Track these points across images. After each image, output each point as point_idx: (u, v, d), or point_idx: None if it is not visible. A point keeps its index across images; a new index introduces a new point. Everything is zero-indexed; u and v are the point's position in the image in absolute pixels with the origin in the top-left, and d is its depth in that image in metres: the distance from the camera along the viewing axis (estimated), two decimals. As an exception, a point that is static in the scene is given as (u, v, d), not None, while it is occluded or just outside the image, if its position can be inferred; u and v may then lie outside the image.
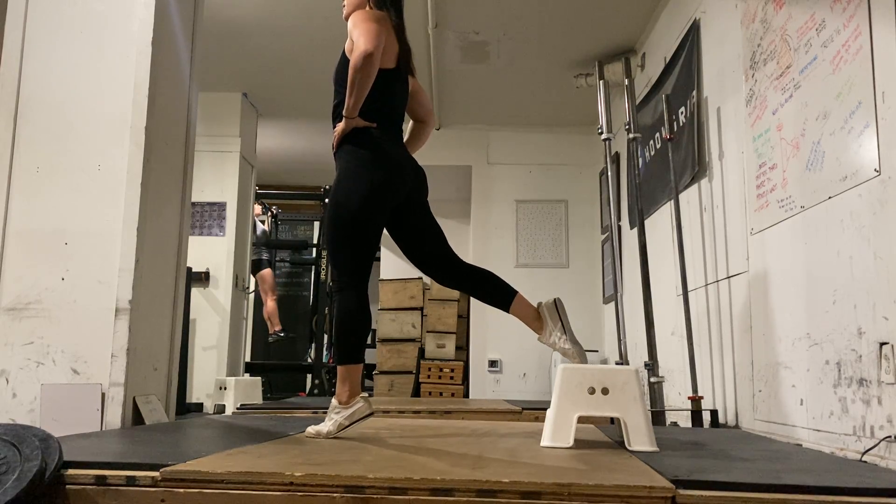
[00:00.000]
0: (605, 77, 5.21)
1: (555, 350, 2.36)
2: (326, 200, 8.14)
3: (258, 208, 7.87)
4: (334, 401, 2.36)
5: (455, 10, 4.87)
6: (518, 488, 1.44)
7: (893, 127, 2.18)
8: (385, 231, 2.50)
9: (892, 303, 2.16)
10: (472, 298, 6.83)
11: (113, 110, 3.07)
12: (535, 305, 2.44)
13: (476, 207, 6.96)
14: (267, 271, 7.66)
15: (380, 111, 2.42)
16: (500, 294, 2.44)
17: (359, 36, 2.27)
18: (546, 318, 2.38)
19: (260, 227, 7.75)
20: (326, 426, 2.33)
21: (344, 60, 2.46)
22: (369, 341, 8.50)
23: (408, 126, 2.70)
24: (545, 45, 5.39)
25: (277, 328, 7.62)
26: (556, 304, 2.40)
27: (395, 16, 2.50)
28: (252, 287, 7.14)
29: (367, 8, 2.48)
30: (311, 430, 2.36)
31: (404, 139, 2.60)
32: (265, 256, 7.73)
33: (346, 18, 2.51)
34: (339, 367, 2.34)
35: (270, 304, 7.63)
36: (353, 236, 2.34)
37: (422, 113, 2.65)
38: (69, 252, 2.98)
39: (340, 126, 2.37)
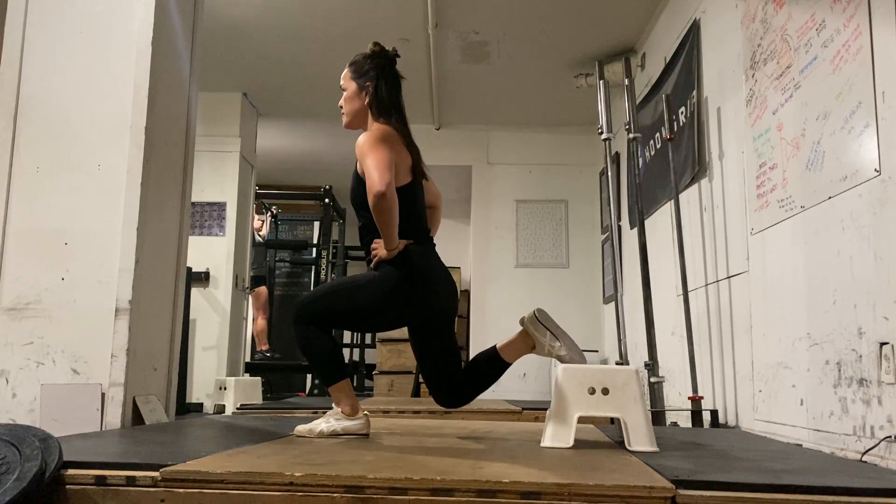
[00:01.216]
0: (605, 77, 5.21)
1: (553, 358, 2.34)
2: (326, 201, 8.16)
3: (258, 222, 7.87)
4: (336, 407, 2.35)
5: (455, 10, 4.87)
6: (518, 488, 1.44)
7: (893, 127, 2.18)
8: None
9: (892, 303, 2.16)
10: (471, 298, 6.83)
11: (113, 110, 3.06)
12: (519, 323, 2.40)
13: (476, 207, 6.96)
14: (262, 289, 7.62)
15: (411, 224, 2.35)
16: (490, 366, 2.41)
17: (371, 171, 2.17)
18: (533, 333, 2.34)
19: (258, 240, 7.74)
20: (320, 426, 2.32)
21: (357, 181, 2.36)
22: (369, 341, 8.52)
23: None
24: (545, 45, 5.39)
25: (264, 347, 7.62)
26: (537, 315, 2.34)
27: (398, 121, 2.40)
28: (251, 287, 7.13)
29: (370, 121, 2.40)
30: (301, 428, 2.34)
31: None
32: (264, 273, 7.72)
33: (346, 127, 2.45)
34: (330, 389, 2.33)
35: (260, 323, 7.61)
36: (349, 312, 2.32)
37: (431, 200, 2.58)
38: (69, 252, 2.98)
39: (383, 255, 2.30)
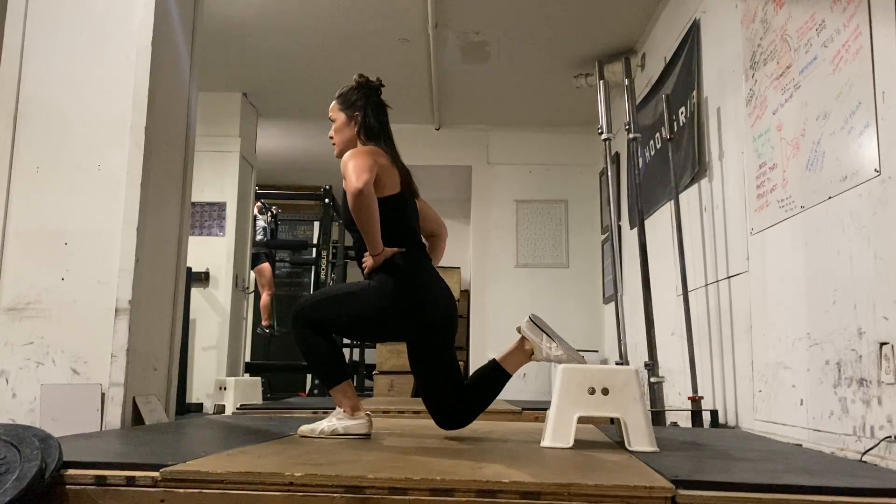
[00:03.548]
0: (605, 77, 5.22)
1: (550, 361, 2.35)
2: (326, 201, 8.16)
3: (258, 205, 7.90)
4: (339, 408, 2.36)
5: (455, 10, 4.87)
6: (518, 488, 1.44)
7: (893, 127, 2.18)
8: None
9: (892, 303, 2.16)
10: (471, 296, 6.84)
11: (113, 110, 3.06)
12: (517, 331, 2.42)
13: (476, 207, 6.96)
14: (265, 265, 7.71)
15: (402, 234, 2.38)
16: (491, 380, 2.41)
17: (349, 174, 2.23)
18: (531, 338, 2.36)
19: (260, 224, 7.77)
20: (322, 425, 2.33)
21: (347, 204, 2.38)
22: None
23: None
24: (545, 45, 5.39)
25: (265, 323, 7.69)
26: (533, 320, 2.38)
27: (386, 144, 2.46)
28: (251, 287, 7.15)
29: (358, 145, 2.45)
30: (304, 428, 2.36)
31: None
32: (263, 251, 7.76)
33: (339, 157, 2.47)
34: (331, 391, 2.34)
35: (265, 298, 7.71)
36: (346, 320, 2.33)
37: (433, 228, 2.62)
38: (69, 252, 2.98)
39: (370, 263, 2.33)
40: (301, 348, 2.34)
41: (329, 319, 2.33)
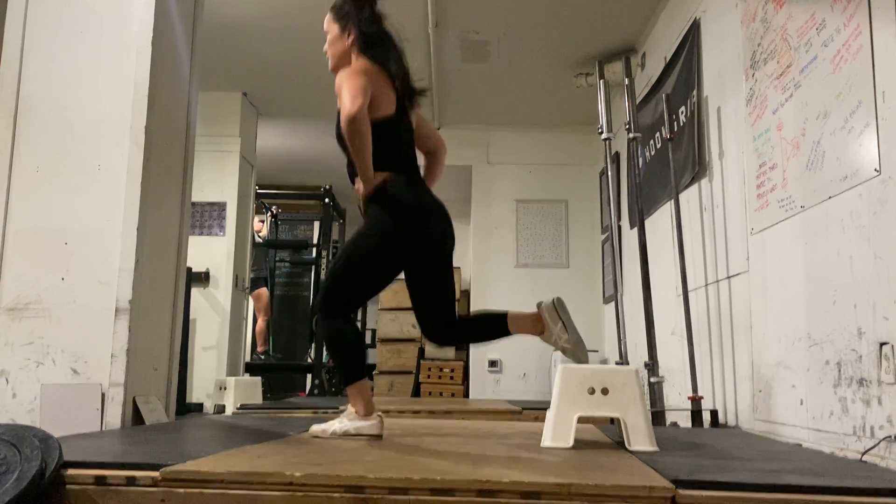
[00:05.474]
0: (605, 77, 5.22)
1: (556, 348, 2.35)
2: (326, 200, 8.15)
3: (258, 224, 7.88)
4: (351, 408, 2.35)
5: (455, 9, 4.87)
6: (518, 488, 1.44)
7: (894, 126, 2.18)
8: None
9: (892, 303, 2.16)
10: (471, 297, 6.83)
11: (113, 110, 3.06)
12: (536, 307, 2.42)
13: (476, 207, 6.96)
14: (262, 290, 7.64)
15: (391, 159, 2.34)
16: (493, 327, 2.42)
17: (343, 97, 2.19)
18: (546, 319, 2.35)
19: (258, 240, 7.76)
20: (334, 426, 2.32)
21: (339, 121, 2.37)
22: (369, 341, 8.52)
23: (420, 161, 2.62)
24: (545, 45, 5.39)
25: (260, 349, 7.66)
26: (556, 304, 2.36)
27: (382, 56, 2.39)
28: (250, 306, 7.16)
29: (353, 57, 2.39)
30: (315, 428, 2.35)
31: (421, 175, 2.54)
32: (262, 275, 7.73)
33: (333, 70, 2.44)
34: (348, 388, 2.31)
35: (260, 324, 7.66)
36: (362, 277, 2.31)
37: (430, 144, 2.56)
38: (69, 252, 2.98)
39: (362, 189, 2.31)
40: (328, 337, 2.32)
41: (351, 276, 2.29)
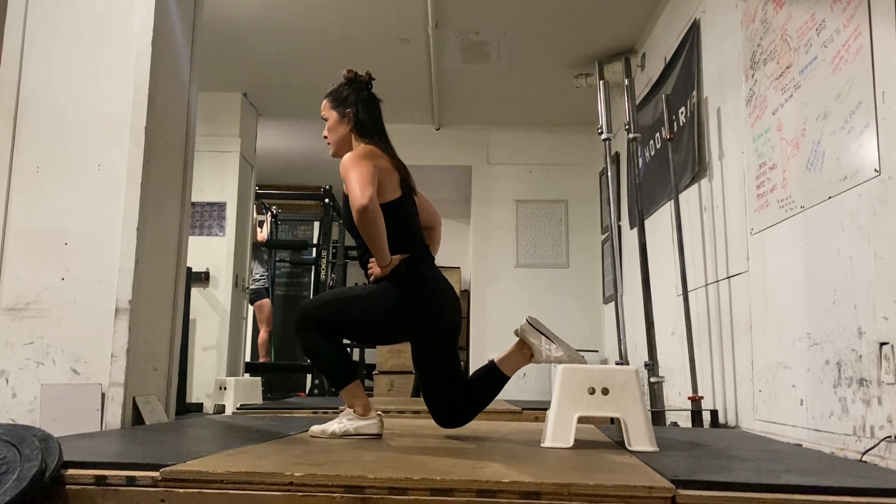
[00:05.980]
0: (605, 77, 5.22)
1: (551, 363, 2.35)
2: (326, 200, 8.16)
3: (261, 236, 7.87)
4: (349, 408, 2.35)
5: (455, 10, 4.87)
6: (518, 488, 1.44)
7: (893, 127, 2.18)
8: None
9: (892, 303, 2.16)
10: (471, 296, 6.84)
11: (113, 110, 3.06)
12: (515, 335, 2.41)
13: (476, 207, 6.96)
14: (265, 301, 7.63)
15: (406, 238, 2.36)
16: (489, 381, 2.42)
17: (352, 187, 2.18)
18: (530, 341, 2.36)
19: (260, 242, 7.76)
20: (333, 426, 2.32)
21: (347, 205, 2.34)
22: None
23: None
24: (545, 45, 5.39)
25: (263, 360, 7.65)
26: (530, 322, 2.38)
27: (381, 141, 2.42)
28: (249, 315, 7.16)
29: (354, 145, 2.41)
30: (315, 428, 2.35)
31: None
32: (264, 286, 7.73)
33: (335, 156, 2.45)
34: (341, 393, 2.32)
35: (262, 335, 7.65)
36: (340, 320, 2.30)
37: (429, 220, 2.58)
38: (69, 252, 2.98)
39: (378, 272, 2.31)
40: (306, 351, 2.32)
41: (334, 321, 2.30)
